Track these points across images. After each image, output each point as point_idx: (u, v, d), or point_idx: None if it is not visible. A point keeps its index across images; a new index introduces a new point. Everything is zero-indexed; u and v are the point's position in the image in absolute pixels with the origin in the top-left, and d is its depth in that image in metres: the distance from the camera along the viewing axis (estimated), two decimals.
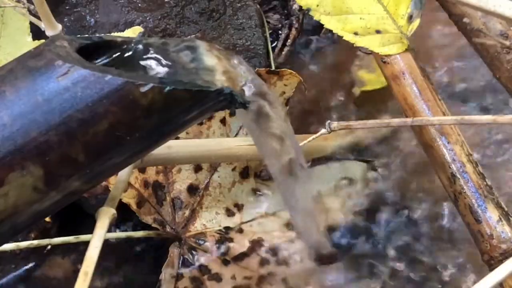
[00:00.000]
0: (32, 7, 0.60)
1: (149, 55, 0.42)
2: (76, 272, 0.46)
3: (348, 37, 0.61)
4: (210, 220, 0.67)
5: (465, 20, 0.60)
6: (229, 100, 0.42)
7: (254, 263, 0.65)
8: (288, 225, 0.67)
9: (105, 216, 0.47)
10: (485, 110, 0.72)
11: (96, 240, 0.45)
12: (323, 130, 0.56)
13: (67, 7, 0.72)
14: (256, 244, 0.66)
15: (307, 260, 0.65)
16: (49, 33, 0.48)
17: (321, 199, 0.67)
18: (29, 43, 0.62)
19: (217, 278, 0.64)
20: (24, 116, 0.37)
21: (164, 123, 0.41)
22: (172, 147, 0.59)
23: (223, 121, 0.67)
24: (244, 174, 0.68)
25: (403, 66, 0.60)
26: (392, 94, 0.61)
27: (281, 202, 0.68)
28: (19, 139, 0.37)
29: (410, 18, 0.60)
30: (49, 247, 0.69)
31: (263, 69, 0.66)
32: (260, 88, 0.44)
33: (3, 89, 0.38)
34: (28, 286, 0.68)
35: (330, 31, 0.61)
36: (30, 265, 0.68)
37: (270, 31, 0.79)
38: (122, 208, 0.59)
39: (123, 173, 0.53)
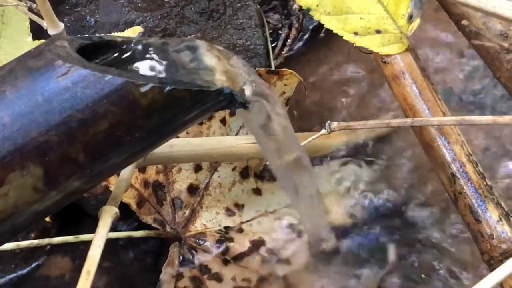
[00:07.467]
0: (34, 5, 0.60)
1: (149, 55, 0.42)
2: (76, 272, 0.46)
3: (348, 37, 0.61)
4: (210, 220, 0.67)
5: (465, 20, 0.60)
6: (229, 100, 0.42)
7: (254, 262, 0.65)
8: (288, 225, 0.67)
9: (108, 214, 0.47)
10: (485, 110, 0.72)
11: (98, 239, 0.45)
12: (323, 130, 0.56)
13: (67, 7, 0.72)
14: (256, 243, 0.66)
15: (308, 259, 0.65)
16: (51, 31, 0.48)
17: (321, 199, 0.67)
18: (29, 43, 0.62)
19: (217, 278, 0.64)
20: (24, 116, 0.37)
21: (164, 123, 0.41)
22: (174, 146, 0.59)
23: (223, 121, 0.67)
24: (244, 174, 0.68)
25: (403, 66, 0.60)
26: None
27: (281, 202, 0.68)
28: (19, 139, 0.37)
29: (410, 18, 0.60)
30: (49, 247, 0.69)
31: (263, 69, 0.66)
32: (260, 88, 0.44)
33: (3, 89, 0.38)
34: (28, 286, 0.68)
35: (330, 31, 0.61)
36: (30, 265, 0.68)
37: (270, 31, 0.79)
38: (122, 208, 0.59)
39: (126, 172, 0.53)
